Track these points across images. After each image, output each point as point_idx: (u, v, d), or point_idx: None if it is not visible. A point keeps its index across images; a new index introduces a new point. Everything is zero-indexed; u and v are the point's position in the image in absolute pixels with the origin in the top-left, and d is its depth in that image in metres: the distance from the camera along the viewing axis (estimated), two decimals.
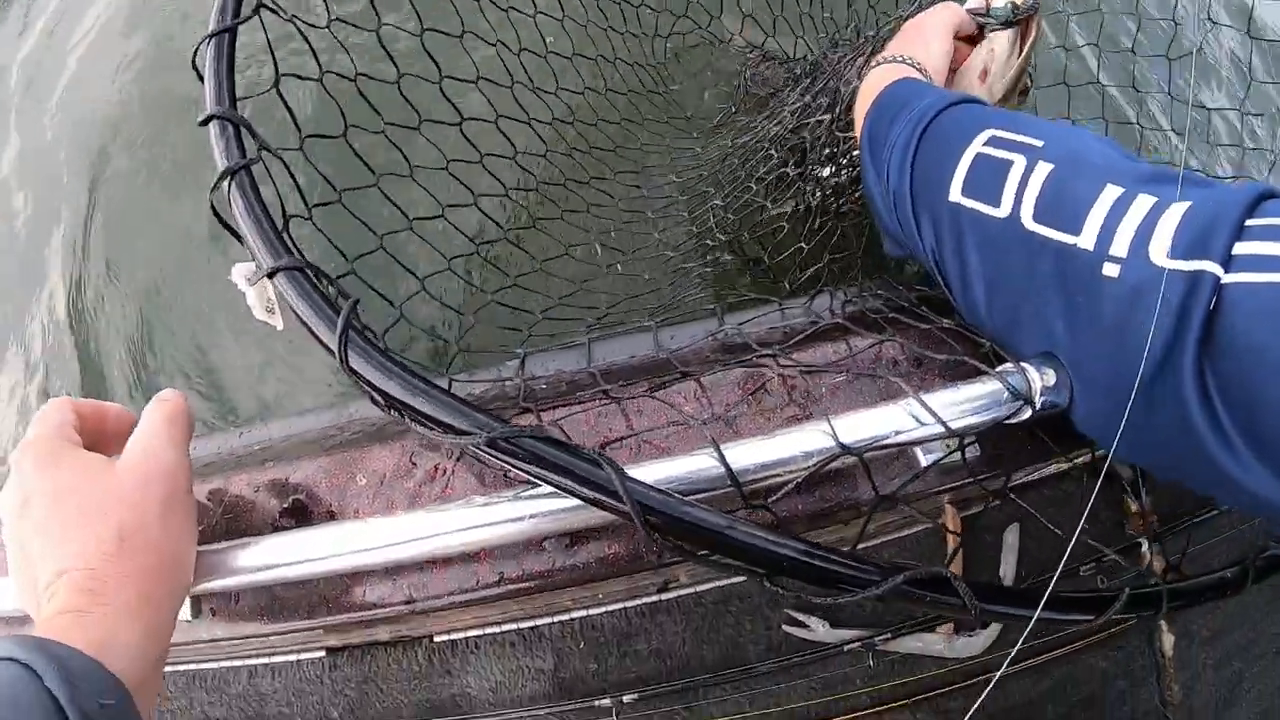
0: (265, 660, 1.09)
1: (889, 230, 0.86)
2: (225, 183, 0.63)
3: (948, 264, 0.77)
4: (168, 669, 1.16)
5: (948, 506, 1.02)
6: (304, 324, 0.62)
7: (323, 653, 1.05)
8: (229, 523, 0.85)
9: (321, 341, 0.61)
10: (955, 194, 0.73)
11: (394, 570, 0.79)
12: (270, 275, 0.63)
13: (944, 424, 0.67)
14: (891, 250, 0.92)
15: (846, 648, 1.02)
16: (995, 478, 0.89)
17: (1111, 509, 1.05)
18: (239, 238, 0.66)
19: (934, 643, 1.07)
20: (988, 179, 0.70)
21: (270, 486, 0.85)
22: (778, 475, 0.65)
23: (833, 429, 0.65)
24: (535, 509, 0.62)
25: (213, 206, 0.67)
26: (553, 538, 0.76)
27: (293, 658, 1.07)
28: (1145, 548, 1.03)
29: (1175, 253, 0.55)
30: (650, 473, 0.61)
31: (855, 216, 1.33)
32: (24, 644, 0.47)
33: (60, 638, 0.50)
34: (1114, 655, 1.10)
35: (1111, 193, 0.61)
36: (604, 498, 0.56)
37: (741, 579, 0.99)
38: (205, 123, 0.64)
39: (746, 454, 0.63)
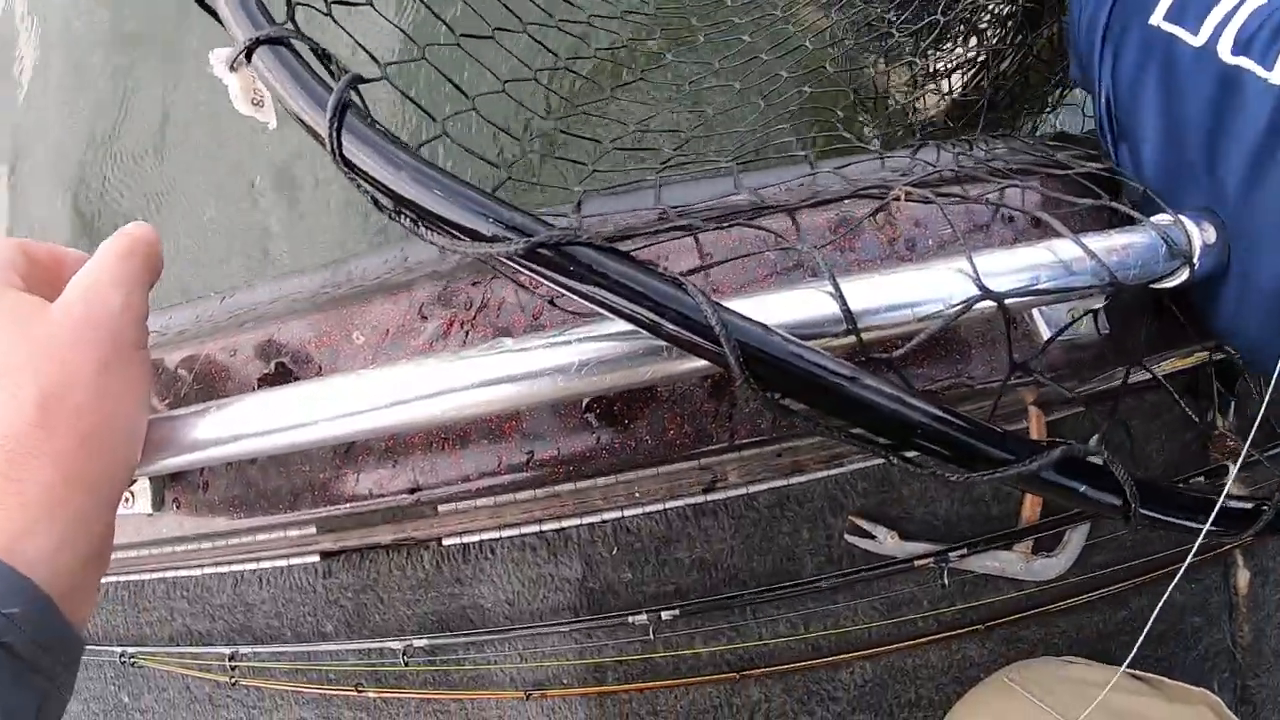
0: (252, 566, 0.97)
1: (1079, 50, 0.75)
2: None
3: (1122, 98, 0.67)
4: (144, 576, 1.05)
5: (1031, 409, 0.89)
6: (284, 104, 0.47)
7: (317, 558, 0.93)
8: (200, 394, 0.71)
9: (308, 126, 0.45)
10: (1158, 17, 0.64)
11: (396, 449, 0.65)
12: (248, 53, 0.48)
13: (1106, 268, 0.53)
14: (1074, 74, 0.81)
15: (917, 563, 0.89)
16: (1102, 377, 0.76)
17: (1197, 429, 0.95)
18: (215, 15, 0.50)
19: (1011, 562, 0.95)
20: (1195, 4, 0.61)
21: (250, 349, 0.71)
22: (897, 324, 0.50)
23: (973, 267, 0.50)
24: (582, 354, 0.47)
25: None
26: (595, 411, 0.62)
27: (283, 563, 0.95)
28: (1231, 473, 0.93)
29: None
30: (737, 309, 0.46)
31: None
32: None
33: None
34: (1190, 589, 1.01)
35: None
36: (691, 334, 0.40)
37: (801, 479, 0.86)
38: None
39: (866, 292, 0.48)
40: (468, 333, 0.64)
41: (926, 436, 0.44)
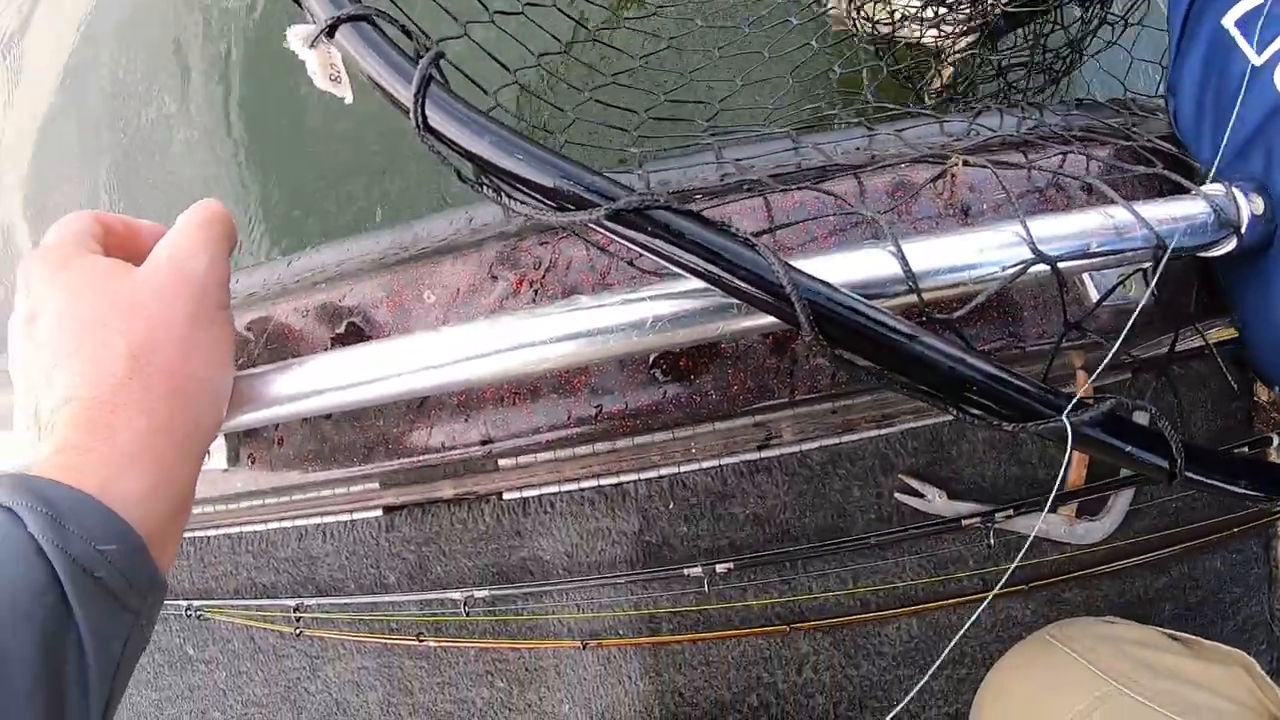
0: (316, 521, 1.00)
1: (1169, 12, 0.76)
2: None
3: (1184, 86, 0.68)
4: (210, 532, 1.09)
5: (1079, 373, 0.90)
6: (371, 80, 0.48)
7: (379, 512, 0.96)
8: (272, 354, 0.74)
9: (392, 98, 0.47)
10: (1230, 18, 0.63)
11: (468, 404, 0.67)
12: (330, 31, 0.49)
13: (1155, 234, 0.53)
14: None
15: (964, 523, 0.90)
16: (1148, 343, 0.77)
17: (1242, 399, 0.95)
18: None
19: (1056, 524, 0.96)
20: (1270, 24, 0.61)
21: (320, 311, 0.73)
22: (954, 285, 0.51)
23: (1027, 231, 0.51)
24: (655, 310, 0.49)
25: None
26: (662, 367, 0.64)
27: (346, 518, 0.98)
28: (1275, 444, 0.93)
29: None
30: (804, 268, 0.48)
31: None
32: (4, 484, 0.39)
33: (57, 478, 0.40)
34: (1231, 559, 1.01)
35: None
36: (764, 293, 0.42)
37: (853, 438, 0.87)
38: None
39: (926, 254, 0.49)
40: (536, 291, 0.66)
41: (981, 392, 0.45)
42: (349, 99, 0.56)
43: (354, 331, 0.72)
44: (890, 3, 1.22)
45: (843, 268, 0.49)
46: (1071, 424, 0.46)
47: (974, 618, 0.50)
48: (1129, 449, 0.48)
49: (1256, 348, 0.64)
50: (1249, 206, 0.59)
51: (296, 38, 0.53)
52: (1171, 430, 0.49)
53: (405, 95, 0.47)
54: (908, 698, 0.58)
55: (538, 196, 0.45)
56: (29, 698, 0.33)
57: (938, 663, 0.53)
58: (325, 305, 0.73)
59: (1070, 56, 1.20)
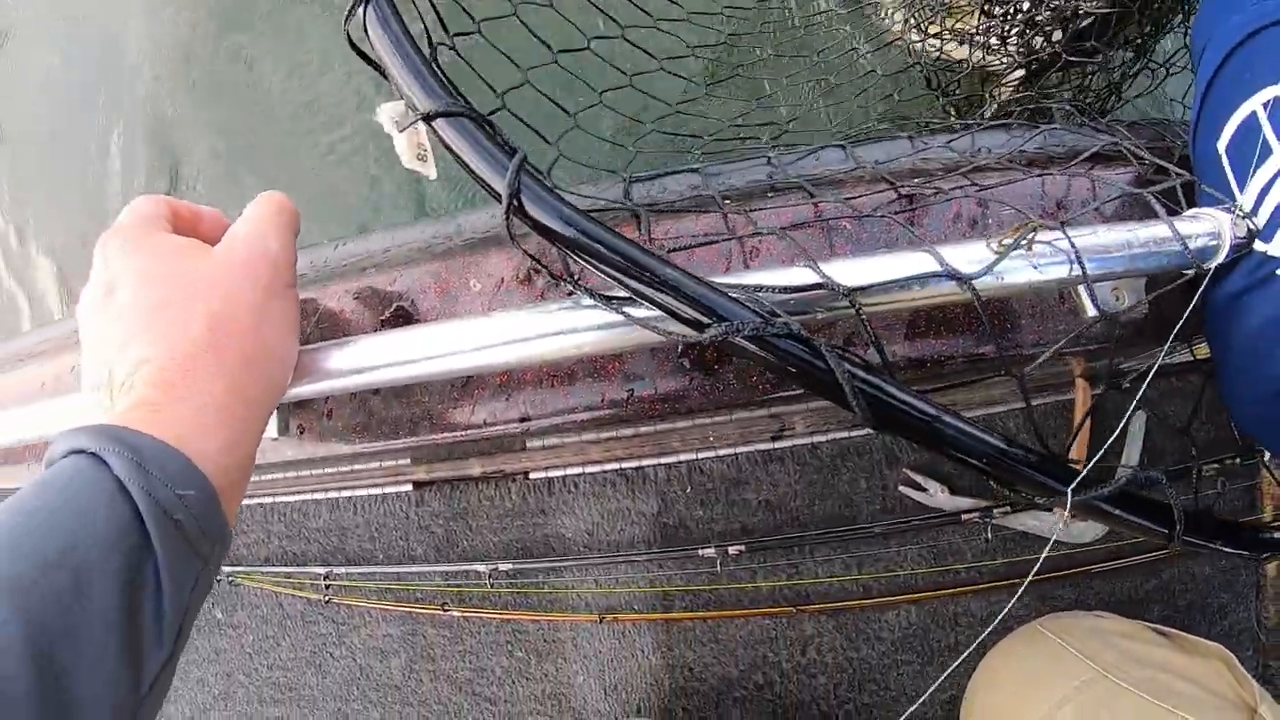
0: (348, 493, 1.05)
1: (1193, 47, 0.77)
2: (360, 9, 0.53)
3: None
4: (244, 501, 1.14)
5: (1079, 382, 0.94)
6: (472, 174, 0.53)
7: (410, 487, 1.01)
8: (322, 334, 0.78)
9: (490, 189, 0.52)
10: (1223, 142, 0.64)
11: (509, 384, 0.72)
12: (427, 120, 0.54)
13: (1133, 254, 0.57)
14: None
15: (964, 517, 0.95)
16: (1141, 353, 0.81)
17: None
18: (384, 74, 0.56)
19: (1051, 522, 1.01)
20: (1245, 154, 0.62)
21: (369, 295, 0.77)
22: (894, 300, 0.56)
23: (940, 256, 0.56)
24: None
25: (349, 38, 0.56)
26: (690, 356, 0.69)
27: (377, 491, 1.03)
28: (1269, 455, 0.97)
29: None
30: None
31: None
32: (90, 431, 0.41)
33: (137, 429, 0.43)
34: (1221, 565, 1.05)
35: None
36: (830, 389, 0.48)
37: (862, 433, 0.92)
38: None
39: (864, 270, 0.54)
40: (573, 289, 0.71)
41: (993, 464, 0.51)
42: (433, 176, 0.61)
43: (402, 315, 0.76)
44: (950, 24, 1.24)
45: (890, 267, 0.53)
46: (1077, 500, 0.51)
47: (1007, 609, 0.55)
48: (1132, 519, 0.53)
49: (1223, 373, 0.67)
50: (1232, 230, 0.62)
51: (388, 117, 0.58)
52: (1176, 499, 0.53)
53: (500, 184, 0.51)
54: (931, 688, 0.62)
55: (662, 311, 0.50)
56: (110, 625, 0.37)
57: (964, 655, 0.57)
58: (373, 290, 0.78)
59: (1110, 99, 1.22)
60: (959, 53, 1.25)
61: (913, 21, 1.26)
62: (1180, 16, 1.08)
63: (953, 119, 1.20)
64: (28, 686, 0.33)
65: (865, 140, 0.77)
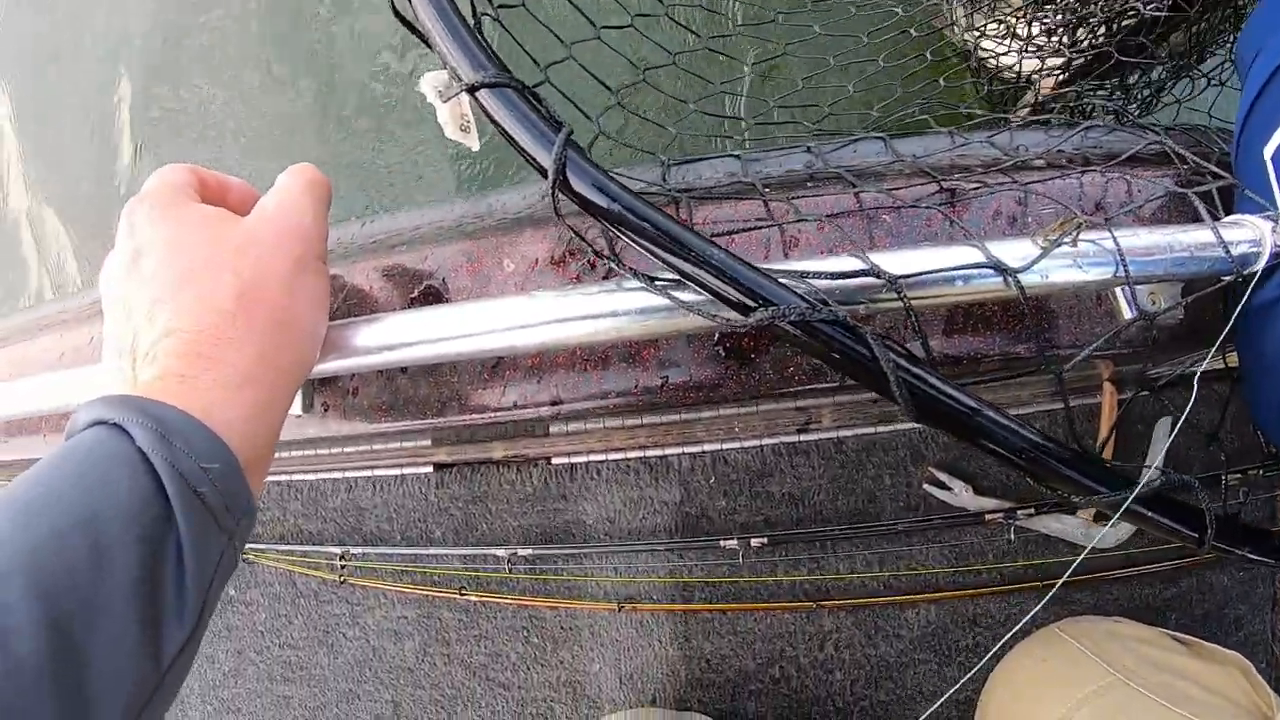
0: (367, 473, 1.05)
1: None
2: None
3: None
4: None
5: (1106, 386, 0.93)
6: (516, 146, 0.52)
7: (430, 468, 1.00)
8: (349, 311, 0.77)
9: (534, 163, 0.51)
10: (1270, 149, 0.63)
11: (541, 367, 0.71)
12: (472, 91, 0.53)
13: (1173, 259, 0.56)
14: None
15: (987, 517, 0.94)
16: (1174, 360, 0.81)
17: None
18: (428, 44, 0.55)
19: (1074, 527, 1.00)
20: None
21: (398, 272, 0.77)
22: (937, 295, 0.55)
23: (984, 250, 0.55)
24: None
25: (393, 6, 0.55)
26: (725, 345, 0.68)
27: (396, 472, 1.03)
28: None
29: None
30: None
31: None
32: (111, 402, 0.40)
33: (162, 400, 0.42)
34: (1239, 576, 1.04)
35: None
36: (873, 379, 0.47)
37: (888, 429, 0.91)
38: None
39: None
40: (609, 271, 0.70)
41: (1031, 461, 0.50)
42: (476, 148, 0.60)
43: (432, 294, 0.75)
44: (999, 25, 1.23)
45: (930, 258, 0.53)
46: (1113, 499, 0.51)
47: (1032, 613, 0.54)
48: (1165, 521, 0.52)
49: (1252, 381, 0.66)
50: (1273, 238, 0.61)
51: (430, 86, 0.57)
52: (1209, 504, 0.53)
53: (545, 158, 0.50)
54: (951, 690, 0.62)
55: (673, 272, 0.50)
56: (129, 599, 0.36)
57: (988, 656, 0.57)
58: (404, 267, 0.77)
59: (1151, 102, 1.21)
60: (1002, 49, 1.24)
61: (971, 18, 1.25)
62: (1230, 29, 1.07)
63: (988, 110, 1.19)
64: (42, 661, 0.32)
65: (904, 134, 0.76)
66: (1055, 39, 1.15)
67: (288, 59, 2.00)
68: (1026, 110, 1.25)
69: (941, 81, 1.12)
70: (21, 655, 0.31)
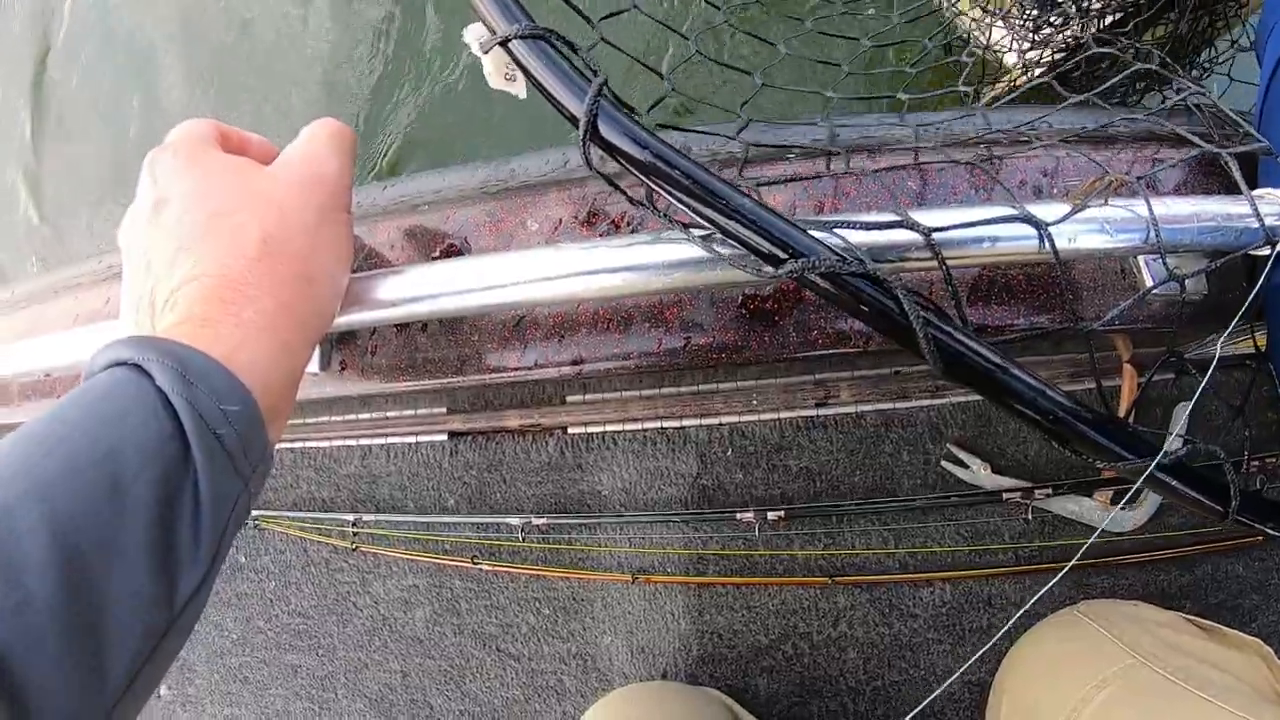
0: (381, 441, 1.05)
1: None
2: None
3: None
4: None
5: (1126, 368, 0.92)
6: (549, 97, 0.52)
7: (444, 436, 1.00)
8: (372, 269, 0.77)
9: (567, 113, 0.51)
10: None
11: (562, 326, 0.71)
12: (504, 43, 0.53)
13: (1199, 229, 0.56)
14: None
15: (1005, 496, 0.94)
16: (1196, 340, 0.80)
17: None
18: None
19: (1091, 509, 0.99)
20: None
21: (420, 232, 0.76)
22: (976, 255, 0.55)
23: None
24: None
25: None
26: (750, 307, 0.67)
27: (411, 439, 1.02)
28: None
29: None
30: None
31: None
32: (133, 342, 0.40)
33: (184, 342, 0.41)
34: (1254, 565, 1.03)
35: None
36: (902, 335, 0.47)
37: (907, 404, 0.91)
38: None
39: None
40: (634, 230, 0.69)
41: (1057, 422, 0.49)
42: (522, 95, 0.59)
43: (454, 252, 0.75)
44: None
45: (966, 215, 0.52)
46: (1137, 465, 0.50)
47: (1044, 590, 0.54)
48: (1190, 492, 0.52)
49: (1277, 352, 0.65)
50: None
51: (473, 37, 0.56)
52: (1235, 476, 0.52)
53: (577, 108, 0.50)
54: (962, 668, 0.61)
55: (699, 218, 0.49)
56: (145, 536, 0.35)
57: (998, 635, 0.56)
58: (425, 228, 0.76)
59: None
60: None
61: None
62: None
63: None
64: (53, 593, 0.31)
65: (936, 118, 0.76)
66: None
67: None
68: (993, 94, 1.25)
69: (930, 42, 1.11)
70: (33, 588, 0.31)
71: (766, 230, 0.47)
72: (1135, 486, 0.51)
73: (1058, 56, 1.19)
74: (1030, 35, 1.19)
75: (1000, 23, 1.20)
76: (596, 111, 0.49)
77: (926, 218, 0.51)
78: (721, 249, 0.52)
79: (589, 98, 0.49)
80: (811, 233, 0.48)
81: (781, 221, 0.47)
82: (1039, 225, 0.52)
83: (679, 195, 0.49)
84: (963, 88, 0.93)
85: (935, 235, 0.51)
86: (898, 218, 0.52)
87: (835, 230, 0.50)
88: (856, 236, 0.51)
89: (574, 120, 0.50)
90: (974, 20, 1.24)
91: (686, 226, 0.53)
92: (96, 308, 0.82)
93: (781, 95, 0.99)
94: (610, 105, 0.50)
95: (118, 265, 0.79)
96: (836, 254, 0.47)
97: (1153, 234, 0.54)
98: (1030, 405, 0.49)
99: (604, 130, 0.49)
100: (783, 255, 0.47)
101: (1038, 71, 1.21)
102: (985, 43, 1.24)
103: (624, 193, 0.55)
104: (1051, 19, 1.15)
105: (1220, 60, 1.11)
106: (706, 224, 0.49)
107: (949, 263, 0.52)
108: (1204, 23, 1.10)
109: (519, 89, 0.59)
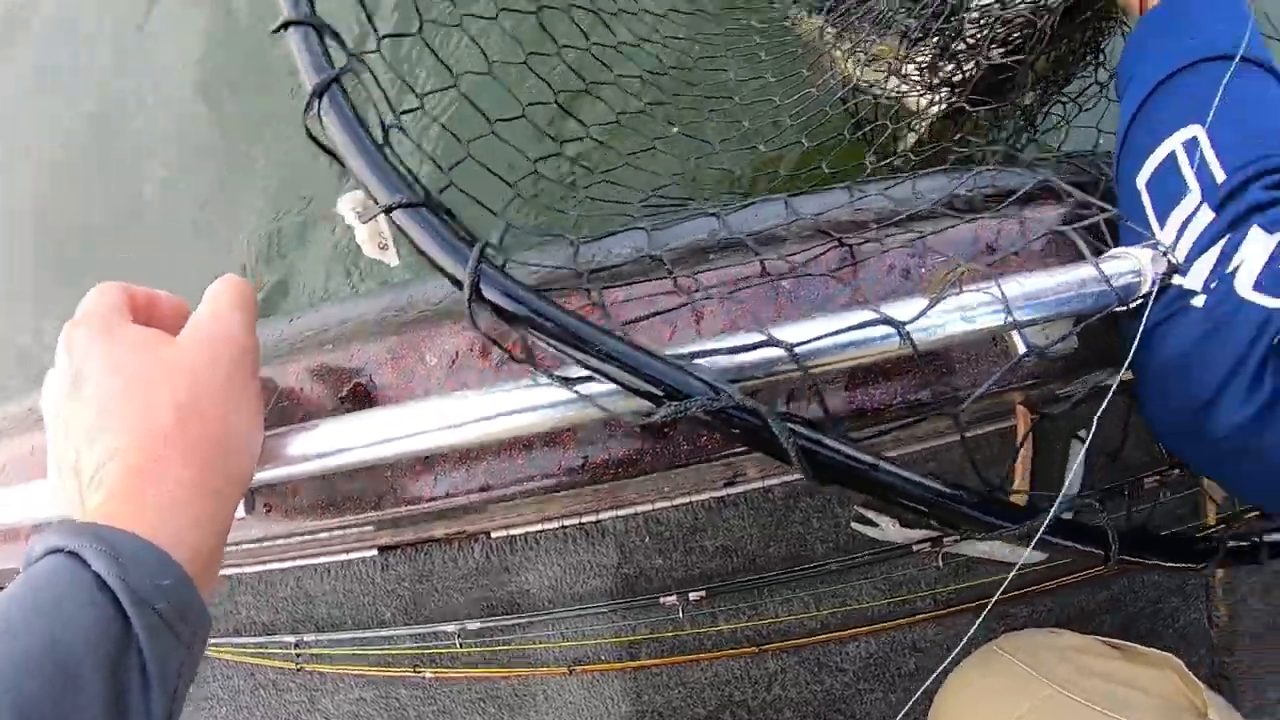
0: (314, 561, 1.06)
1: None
2: (316, 103, 0.54)
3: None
4: None
5: (1019, 409, 0.98)
6: (434, 264, 0.55)
7: (375, 551, 1.02)
8: (282, 414, 0.80)
9: (449, 276, 0.54)
10: (1143, 177, 0.68)
11: (469, 455, 0.74)
12: (388, 211, 0.56)
13: (1059, 300, 0.61)
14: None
15: (915, 548, 0.99)
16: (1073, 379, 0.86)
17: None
18: (344, 166, 0.58)
19: (1000, 546, 1.04)
20: (1165, 190, 0.65)
21: (327, 372, 0.79)
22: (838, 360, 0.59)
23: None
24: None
25: (308, 130, 0.58)
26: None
27: (343, 557, 1.04)
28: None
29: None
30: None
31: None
32: (65, 530, 0.42)
33: (111, 524, 0.44)
34: (1168, 571, 1.09)
35: None
36: (769, 448, 0.52)
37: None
38: (282, 29, 0.54)
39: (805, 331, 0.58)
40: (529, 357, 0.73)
41: (933, 506, 0.55)
42: (395, 264, 0.63)
43: (360, 393, 0.78)
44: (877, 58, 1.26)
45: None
46: (1015, 533, 0.55)
47: (969, 634, 0.59)
48: (1070, 544, 0.57)
49: (1145, 398, 0.68)
50: (1153, 270, 0.65)
51: (348, 207, 0.60)
52: (1111, 523, 0.57)
53: (461, 273, 0.53)
54: (900, 714, 0.65)
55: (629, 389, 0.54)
56: (101, 711, 0.38)
57: (930, 679, 0.60)
58: (331, 367, 0.79)
59: (1025, 133, 1.26)
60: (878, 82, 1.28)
61: (853, 56, 1.29)
62: (1088, 58, 1.12)
63: (873, 158, 1.23)
64: None
65: (803, 193, 0.80)
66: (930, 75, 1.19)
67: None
68: (903, 146, 1.28)
69: (847, 135, 1.16)
70: None
71: (637, 370, 0.51)
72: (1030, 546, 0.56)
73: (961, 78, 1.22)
74: (929, 80, 1.23)
75: (895, 77, 1.24)
76: (479, 276, 0.53)
77: (790, 332, 0.56)
78: (598, 388, 0.56)
79: (470, 263, 0.53)
80: (682, 365, 0.53)
81: (652, 359, 0.51)
82: (897, 326, 0.56)
83: (556, 345, 0.53)
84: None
85: (799, 349, 0.56)
86: (763, 337, 0.56)
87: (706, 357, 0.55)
88: (725, 360, 0.55)
89: (458, 284, 0.54)
90: (870, 82, 1.28)
91: (566, 380, 0.57)
92: (23, 454, 0.83)
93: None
94: (490, 267, 0.54)
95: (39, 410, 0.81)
96: (708, 386, 0.51)
97: (1009, 316, 0.58)
98: (906, 496, 0.54)
99: (486, 292, 0.52)
100: (657, 391, 0.51)
101: (944, 92, 1.25)
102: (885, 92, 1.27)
103: (507, 351, 0.59)
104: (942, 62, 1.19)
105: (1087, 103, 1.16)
106: (583, 367, 0.53)
107: (821, 368, 0.57)
108: (1083, 50, 1.14)
109: (391, 257, 0.62)
